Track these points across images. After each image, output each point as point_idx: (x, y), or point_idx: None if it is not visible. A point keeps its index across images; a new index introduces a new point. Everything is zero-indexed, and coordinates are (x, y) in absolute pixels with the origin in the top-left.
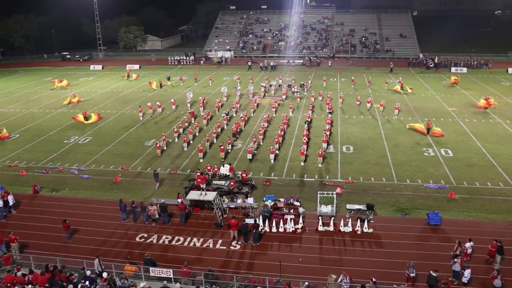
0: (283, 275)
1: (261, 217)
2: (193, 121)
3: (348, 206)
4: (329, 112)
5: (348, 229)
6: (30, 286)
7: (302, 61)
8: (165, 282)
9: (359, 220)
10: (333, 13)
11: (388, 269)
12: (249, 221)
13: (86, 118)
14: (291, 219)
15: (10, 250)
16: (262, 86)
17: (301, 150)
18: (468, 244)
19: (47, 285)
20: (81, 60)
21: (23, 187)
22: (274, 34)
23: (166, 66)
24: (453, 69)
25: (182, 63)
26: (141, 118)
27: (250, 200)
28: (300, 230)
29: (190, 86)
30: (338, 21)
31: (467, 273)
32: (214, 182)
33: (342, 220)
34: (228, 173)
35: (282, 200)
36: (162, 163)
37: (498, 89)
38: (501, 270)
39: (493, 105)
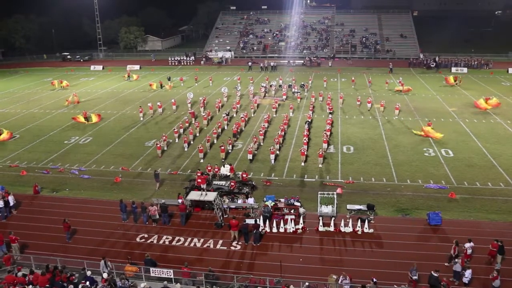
0: (283, 276)
1: (261, 217)
2: (193, 122)
3: (349, 207)
4: (330, 113)
5: (349, 229)
6: (30, 286)
7: (302, 61)
8: (165, 282)
9: (359, 221)
10: (333, 13)
11: (389, 269)
12: (250, 221)
13: (86, 119)
14: (291, 219)
15: (10, 251)
16: (262, 86)
17: (302, 151)
18: (467, 245)
19: (47, 285)
20: (81, 60)
21: (23, 187)
22: (275, 34)
23: (167, 66)
24: (453, 69)
25: (182, 64)
26: (141, 119)
27: (250, 201)
28: (301, 230)
29: (190, 86)
30: (338, 22)
31: (468, 273)
32: (214, 182)
33: (342, 220)
34: (228, 174)
35: (282, 200)
36: (163, 164)
37: (498, 89)
38: (502, 270)
39: (497, 104)
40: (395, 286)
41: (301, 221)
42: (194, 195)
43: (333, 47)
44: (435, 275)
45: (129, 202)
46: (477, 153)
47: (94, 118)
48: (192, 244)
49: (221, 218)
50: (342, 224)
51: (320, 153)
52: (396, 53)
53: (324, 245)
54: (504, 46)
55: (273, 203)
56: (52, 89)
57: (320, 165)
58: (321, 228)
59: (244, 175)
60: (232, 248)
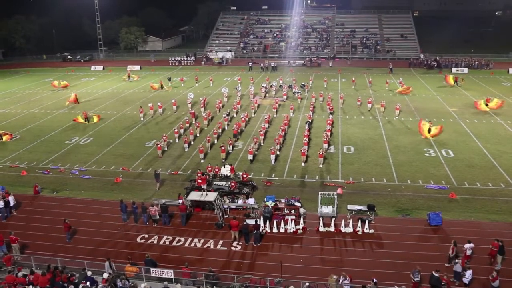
0: (284, 276)
1: (262, 217)
2: (194, 122)
3: (349, 207)
4: (330, 113)
5: (349, 229)
6: (31, 286)
7: (302, 61)
8: (166, 282)
9: (360, 221)
10: (333, 13)
11: (389, 269)
12: (250, 221)
13: (87, 120)
14: (292, 219)
15: (11, 251)
16: (263, 86)
17: (302, 151)
18: (467, 245)
19: (48, 285)
20: (82, 60)
21: (24, 187)
22: (275, 34)
23: (167, 66)
24: (454, 70)
25: (183, 64)
26: (142, 119)
27: (251, 201)
28: (301, 230)
29: (191, 86)
30: (338, 22)
31: (468, 274)
32: (215, 182)
33: (343, 220)
34: (229, 174)
35: (283, 200)
36: (163, 164)
37: (499, 89)
38: (502, 270)
39: (500, 105)
40: (396, 287)
41: (301, 221)
42: (194, 196)
43: (333, 47)
44: (436, 275)
45: (129, 203)
46: (478, 154)
47: (95, 119)
48: (192, 245)
49: (222, 218)
50: (343, 224)
51: (321, 153)
52: (396, 53)
53: (324, 246)
54: (504, 47)
55: (274, 203)
56: (53, 90)
57: (321, 166)
58: (321, 229)
59: (245, 176)
60: (233, 248)
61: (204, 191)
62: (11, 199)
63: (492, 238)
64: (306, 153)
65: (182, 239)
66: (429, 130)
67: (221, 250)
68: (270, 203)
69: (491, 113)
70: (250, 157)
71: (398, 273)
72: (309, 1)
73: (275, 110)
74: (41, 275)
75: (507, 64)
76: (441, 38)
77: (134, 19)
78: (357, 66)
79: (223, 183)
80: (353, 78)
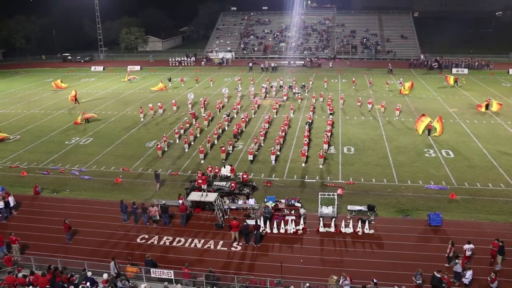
0: (284, 276)
1: (262, 218)
2: (194, 122)
3: (349, 207)
4: (330, 113)
5: (349, 230)
6: (31, 287)
7: (303, 62)
8: (166, 283)
9: (360, 221)
10: (334, 14)
11: (389, 270)
12: (250, 222)
13: (87, 120)
14: (292, 220)
15: (11, 251)
16: (263, 87)
17: (302, 151)
18: (467, 246)
19: (48, 286)
20: (82, 61)
21: (24, 188)
22: (275, 35)
23: (167, 67)
24: (454, 70)
25: (183, 64)
26: (142, 119)
27: (251, 201)
28: (301, 231)
29: (191, 87)
30: (339, 22)
31: (469, 274)
32: (215, 183)
33: (343, 221)
34: (229, 174)
35: (283, 201)
36: (163, 164)
37: (499, 90)
38: (502, 270)
39: (499, 108)
40: (396, 287)
41: (301, 222)
42: (194, 196)
43: (333, 48)
44: (438, 275)
45: (129, 203)
46: (478, 154)
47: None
48: (192, 245)
49: (222, 219)
50: (343, 225)
51: (321, 154)
52: (396, 54)
53: (324, 246)
54: (504, 47)
55: (274, 204)
56: (54, 91)
57: (321, 166)
58: (321, 229)
59: (245, 176)
60: (233, 249)
61: (204, 191)
62: (11, 200)
63: (492, 238)
64: (306, 154)
65: (182, 240)
66: (429, 132)
67: (221, 250)
68: (270, 204)
69: (491, 114)
70: (250, 157)
71: (398, 273)
72: (309, 2)
73: (275, 110)
74: (41, 276)
75: (507, 65)
76: (442, 39)
77: (134, 20)
78: (357, 67)
79: (223, 183)
80: (353, 79)
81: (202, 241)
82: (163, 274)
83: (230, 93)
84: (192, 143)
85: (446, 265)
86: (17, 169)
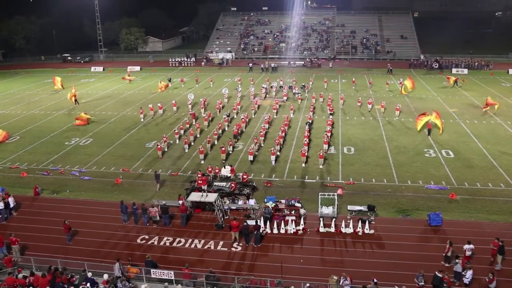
0: (284, 277)
1: (262, 218)
2: (194, 123)
3: (349, 207)
4: (330, 114)
5: (349, 230)
6: None
7: (303, 62)
8: (166, 283)
9: (360, 221)
10: (334, 14)
11: (389, 270)
12: (250, 222)
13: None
14: (292, 220)
15: (11, 252)
16: (263, 87)
17: (302, 152)
18: (466, 246)
19: (48, 287)
20: (82, 61)
21: (24, 189)
22: (275, 35)
23: (167, 67)
24: (454, 70)
25: (183, 65)
26: (142, 120)
27: (251, 202)
28: (301, 231)
29: (191, 87)
30: (339, 23)
31: (469, 274)
32: (215, 183)
33: (343, 221)
34: (229, 175)
35: (283, 201)
36: (163, 165)
37: (498, 90)
38: (503, 270)
39: (493, 104)
40: (396, 287)
41: (301, 222)
42: (194, 196)
43: (333, 48)
44: (439, 275)
45: (129, 204)
46: (478, 154)
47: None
48: (192, 246)
49: (222, 219)
50: (343, 225)
51: (321, 154)
52: (396, 54)
53: (324, 246)
54: (504, 47)
55: (274, 204)
56: (55, 92)
57: (321, 166)
58: (321, 229)
59: (245, 176)
60: (233, 249)
61: (204, 192)
62: (11, 201)
63: (492, 238)
64: (306, 154)
65: (183, 240)
66: (429, 132)
67: (221, 251)
68: (271, 204)
69: (491, 114)
70: (251, 158)
71: (398, 273)
72: (309, 2)
73: (275, 111)
74: (41, 277)
75: (507, 65)
76: (441, 39)
77: (134, 20)
78: (353, 67)
79: (224, 184)
80: (353, 79)
81: (202, 241)
82: (163, 274)
83: (230, 93)
84: (192, 143)
85: (446, 264)
86: (17, 170)
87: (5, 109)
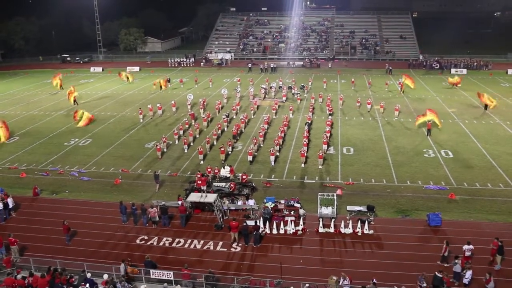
0: (283, 277)
1: (261, 219)
2: (193, 123)
3: (349, 208)
4: (330, 114)
5: (349, 230)
6: None
7: (302, 62)
8: (165, 284)
9: (359, 222)
10: (333, 14)
11: (389, 270)
12: (250, 223)
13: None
14: (291, 220)
15: (10, 253)
16: (262, 88)
17: (302, 152)
18: (466, 247)
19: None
20: (81, 62)
21: (23, 189)
22: (274, 36)
23: (166, 68)
24: (453, 70)
25: (182, 65)
26: (141, 120)
27: (250, 202)
28: (301, 231)
29: (190, 88)
30: (338, 23)
31: (468, 274)
32: (214, 184)
33: (342, 221)
34: (228, 175)
35: (282, 202)
36: (163, 165)
37: (498, 90)
38: (502, 270)
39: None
40: (396, 287)
41: (301, 222)
42: (194, 197)
43: (332, 48)
44: (439, 275)
45: (129, 204)
46: (477, 154)
47: (86, 117)
48: (192, 246)
49: (221, 219)
50: (342, 225)
51: (320, 154)
52: (395, 54)
53: (324, 247)
54: (503, 47)
55: (273, 204)
56: (55, 93)
57: (320, 167)
58: (321, 230)
59: (244, 177)
60: (232, 249)
61: (203, 192)
62: (10, 201)
63: (491, 238)
64: (305, 154)
65: (182, 241)
66: (428, 132)
67: (220, 251)
68: (270, 204)
69: (490, 114)
70: (250, 158)
71: (398, 273)
72: (308, 2)
73: (274, 111)
74: (41, 277)
75: (505, 65)
76: (441, 39)
77: (133, 21)
78: (351, 67)
79: (223, 184)
80: (353, 79)
81: (202, 242)
82: (162, 275)
83: (229, 93)
84: (192, 144)
85: (446, 265)
86: (16, 171)
87: (4, 109)
